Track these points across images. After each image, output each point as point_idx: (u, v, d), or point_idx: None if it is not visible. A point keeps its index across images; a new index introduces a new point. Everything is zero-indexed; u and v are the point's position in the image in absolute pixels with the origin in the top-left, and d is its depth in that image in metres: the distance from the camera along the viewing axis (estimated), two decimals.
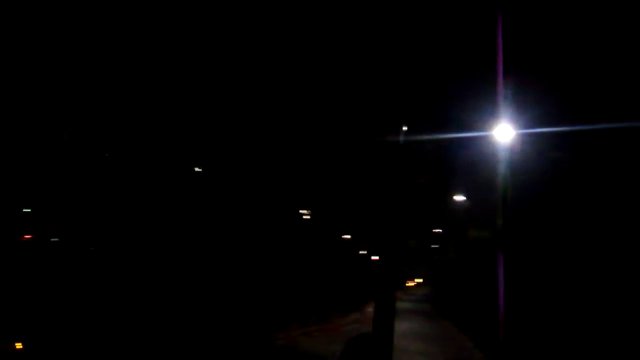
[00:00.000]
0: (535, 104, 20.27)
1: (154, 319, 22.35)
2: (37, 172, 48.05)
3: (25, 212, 47.48)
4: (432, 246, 71.56)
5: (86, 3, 34.62)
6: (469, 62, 23.70)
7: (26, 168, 49.37)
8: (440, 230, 62.21)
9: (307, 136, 36.60)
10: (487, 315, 25.30)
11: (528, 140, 20.43)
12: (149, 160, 38.57)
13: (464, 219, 37.26)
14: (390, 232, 23.08)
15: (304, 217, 45.33)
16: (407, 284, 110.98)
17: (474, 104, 23.39)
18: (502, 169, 19.63)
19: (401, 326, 34.40)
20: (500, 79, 19.99)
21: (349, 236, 55.64)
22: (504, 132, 19.58)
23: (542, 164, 21.72)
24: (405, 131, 21.50)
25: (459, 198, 38.00)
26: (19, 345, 15.62)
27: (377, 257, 66.66)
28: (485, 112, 21.92)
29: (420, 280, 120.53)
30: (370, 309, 38.51)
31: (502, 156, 19.71)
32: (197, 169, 37.55)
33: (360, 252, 63.32)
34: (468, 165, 31.20)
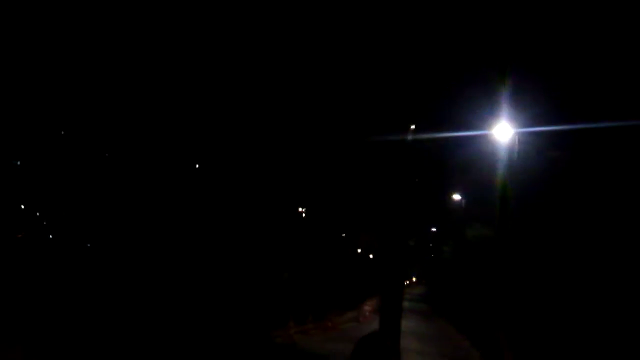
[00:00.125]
0: (534, 103, 20.27)
1: (152, 317, 22.25)
2: (33, 169, 47.91)
3: (20, 208, 47.33)
4: (428, 245, 71.70)
5: (86, 3, 34.55)
6: (469, 62, 23.72)
7: (22, 165, 49.20)
8: (435, 229, 62.35)
9: (306, 135, 36.61)
10: (484, 314, 25.30)
11: (527, 139, 20.37)
12: (147, 158, 38.53)
13: (460, 218, 37.28)
14: (398, 230, 23.02)
15: (302, 214, 45.33)
16: (409, 280, 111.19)
17: (472, 103, 23.40)
18: (501, 167, 19.61)
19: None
20: (500, 78, 19.99)
21: (345, 234, 55.65)
22: (503, 131, 19.57)
23: (540, 162, 21.72)
24: (413, 130, 21.45)
25: (456, 197, 38.02)
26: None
27: (372, 256, 66.85)
28: (483, 111, 21.91)
29: (414, 279, 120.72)
30: (366, 307, 38.55)
31: (501, 155, 19.69)
32: (196, 167, 37.55)
33: (357, 250, 63.31)
34: (465, 164, 31.22)
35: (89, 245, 43.02)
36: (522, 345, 19.18)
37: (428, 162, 33.74)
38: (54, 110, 43.94)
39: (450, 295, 46.00)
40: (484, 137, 22.55)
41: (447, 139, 28.24)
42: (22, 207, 47.91)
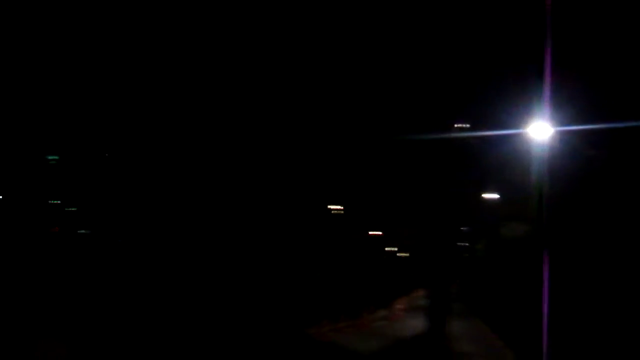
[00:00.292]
0: (571, 101, 20.05)
1: (191, 313, 22.54)
2: (67, 164, 48.60)
3: (53, 204, 48.06)
4: (460, 244, 71.14)
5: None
6: (505, 60, 23.52)
7: (55, 161, 49.95)
8: (467, 228, 61.88)
9: (340, 132, 36.58)
10: (520, 314, 25.13)
11: (564, 138, 20.18)
12: (180, 153, 38.76)
13: (495, 217, 36.98)
14: (444, 230, 22.96)
15: (334, 212, 45.34)
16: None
17: (507, 101, 23.23)
18: (537, 166, 19.47)
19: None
20: (538, 75, 19.82)
21: (377, 232, 55.57)
22: (539, 130, 19.41)
23: (577, 161, 21.48)
24: (459, 127, 21.39)
25: (489, 196, 37.73)
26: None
27: (404, 254, 66.67)
28: (519, 109, 21.75)
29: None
30: (398, 305, 38.61)
31: (538, 154, 19.55)
32: (232, 163, 37.66)
33: (388, 248, 63.20)
34: (499, 163, 30.96)
35: (120, 240, 43.55)
36: (560, 346, 19.04)
37: (463, 161, 33.58)
38: (86, 106, 44.51)
39: (483, 294, 45.68)
40: (518, 135, 22.41)
41: (480, 137, 28.10)
42: (57, 202, 48.62)
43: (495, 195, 36.36)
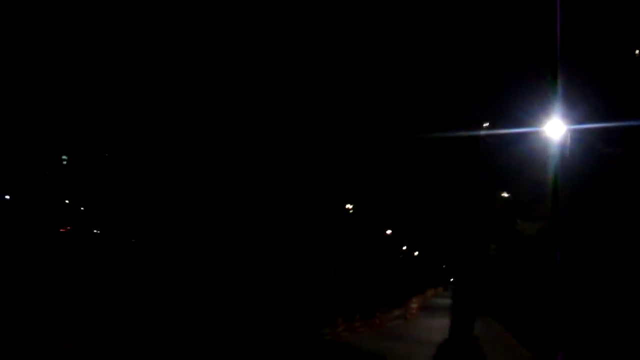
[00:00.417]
0: (586, 99, 19.97)
1: (208, 313, 22.62)
2: (80, 165, 48.79)
3: (65, 203, 48.24)
4: (472, 243, 70.92)
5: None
6: (520, 59, 23.44)
7: (68, 161, 50.12)
8: (480, 227, 61.56)
9: (356, 133, 36.62)
10: (533, 313, 25.01)
11: (579, 136, 20.08)
12: (196, 154, 38.85)
13: (508, 216, 36.83)
14: (474, 231, 22.92)
15: (349, 211, 45.35)
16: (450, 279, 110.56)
17: (522, 99, 23.15)
18: (552, 164, 19.34)
19: (443, 323, 34.22)
20: (552, 74, 19.70)
21: (390, 231, 55.51)
22: (554, 128, 19.29)
23: (593, 159, 21.39)
24: (487, 127, 21.30)
25: (503, 195, 37.57)
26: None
27: (417, 253, 66.61)
28: (533, 107, 21.66)
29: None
30: (413, 305, 38.41)
31: (553, 152, 19.42)
32: (247, 165, 37.75)
33: (403, 247, 63.13)
34: (512, 161, 30.82)
35: (133, 240, 43.59)
36: (575, 345, 18.93)
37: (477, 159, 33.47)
38: (98, 108, 44.69)
39: (496, 293, 45.52)
40: (532, 134, 22.29)
41: (494, 135, 27.97)
42: (67, 201, 48.79)
43: (508, 194, 36.24)
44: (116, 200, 47.04)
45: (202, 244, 33.95)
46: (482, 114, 27.45)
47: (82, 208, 50.30)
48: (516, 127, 24.01)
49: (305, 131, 35.95)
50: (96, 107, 45.26)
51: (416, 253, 66.40)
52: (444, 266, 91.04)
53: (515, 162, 29.56)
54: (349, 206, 44.02)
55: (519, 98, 23.15)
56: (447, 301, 58.09)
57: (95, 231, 49.10)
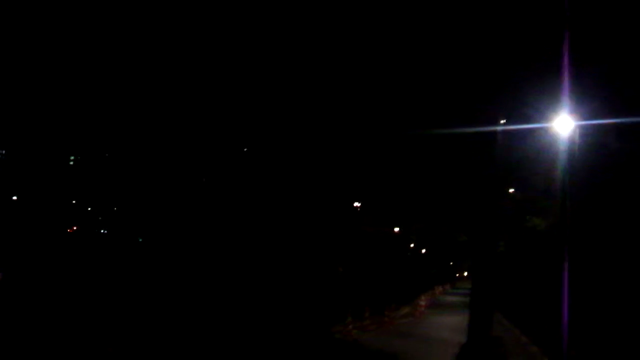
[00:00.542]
0: (595, 95, 19.95)
1: (216, 312, 22.65)
2: (87, 164, 48.92)
3: (72, 204, 48.41)
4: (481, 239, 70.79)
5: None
6: (529, 55, 23.39)
7: (74, 161, 50.27)
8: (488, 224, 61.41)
9: (359, 130, 36.61)
10: (543, 309, 25.01)
11: (588, 132, 20.05)
12: (206, 154, 38.92)
13: (516, 212, 36.77)
14: (486, 230, 22.86)
15: (356, 209, 45.34)
16: (456, 276, 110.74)
17: (532, 96, 23.11)
18: (562, 160, 19.31)
19: (452, 320, 34.23)
20: (561, 70, 19.67)
21: (397, 229, 55.45)
22: (563, 124, 19.27)
23: (601, 155, 21.37)
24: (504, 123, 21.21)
25: (511, 191, 37.49)
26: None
27: (425, 250, 66.54)
28: (541, 103, 21.63)
29: (465, 274, 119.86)
30: (421, 302, 38.42)
31: (562, 148, 19.40)
32: (255, 164, 37.81)
33: (410, 244, 63.08)
34: (520, 157, 30.75)
35: (140, 240, 43.68)
36: (582, 340, 18.93)
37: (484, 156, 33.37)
38: (105, 109, 44.78)
39: (504, 289, 45.52)
40: (541, 130, 22.27)
41: (502, 132, 27.88)
42: (74, 202, 48.93)
43: (515, 190, 36.15)
44: (123, 200, 47.15)
45: (210, 242, 34.01)
46: (491, 110, 27.38)
47: (89, 208, 50.45)
48: (525, 124, 23.96)
49: (314, 130, 35.98)
50: (103, 109, 45.37)
51: (423, 250, 66.33)
52: (451, 263, 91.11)
53: (524, 158, 29.54)
54: (356, 204, 44.04)
55: (528, 94, 23.11)
56: (455, 298, 58.26)
57: (102, 231, 49.24)
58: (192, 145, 39.46)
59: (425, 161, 37.75)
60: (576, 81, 19.30)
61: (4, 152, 49.22)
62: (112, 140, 46.97)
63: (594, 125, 19.90)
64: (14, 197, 46.95)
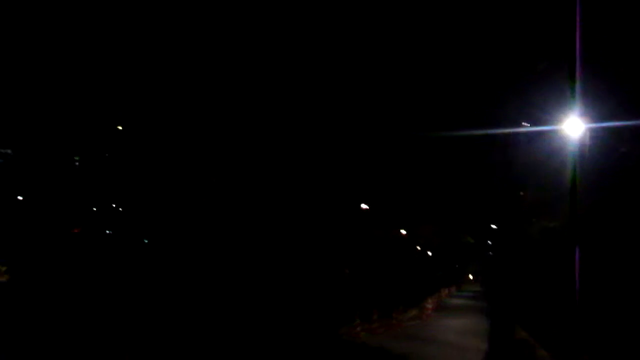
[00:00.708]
0: (605, 97, 19.87)
1: (224, 315, 22.62)
2: (90, 166, 48.91)
3: (77, 204, 48.35)
4: (487, 242, 70.85)
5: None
6: (537, 56, 23.34)
7: (80, 162, 50.24)
8: (495, 227, 61.48)
9: (367, 132, 36.59)
10: (549, 310, 24.90)
11: (598, 135, 19.98)
12: (213, 156, 38.86)
13: (524, 214, 36.66)
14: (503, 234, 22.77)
15: (363, 211, 45.27)
16: (464, 278, 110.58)
17: (540, 98, 23.05)
18: (572, 162, 19.24)
19: (459, 323, 34.19)
20: (571, 72, 19.62)
21: (403, 231, 55.38)
22: (573, 127, 19.19)
23: (611, 157, 21.29)
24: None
25: (520, 193, 37.39)
26: None
27: (431, 253, 66.47)
28: (553, 106, 21.57)
29: (471, 277, 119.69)
30: (428, 305, 38.35)
31: (572, 150, 19.32)
32: (261, 165, 37.75)
33: (417, 247, 63.01)
34: (529, 160, 30.70)
35: (146, 241, 43.63)
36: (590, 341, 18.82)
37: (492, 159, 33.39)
38: (110, 107, 44.81)
39: (510, 292, 45.40)
40: (550, 132, 22.22)
41: (512, 135, 27.87)
42: (79, 202, 48.87)
43: (526, 192, 36.07)
44: (128, 201, 47.04)
45: (218, 243, 33.96)
46: (503, 113, 27.36)
47: (94, 209, 50.36)
48: (536, 126, 23.92)
49: (322, 131, 35.93)
50: (109, 110, 45.38)
51: (429, 253, 66.31)
52: (456, 265, 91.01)
53: (531, 161, 29.47)
54: (364, 206, 43.98)
55: (538, 97, 23.05)
56: (461, 301, 58.23)
57: (107, 232, 49.16)
58: (199, 145, 39.37)
59: (433, 164, 37.72)
60: (587, 83, 19.24)
61: (9, 151, 49.23)
62: (118, 141, 46.91)
63: (604, 127, 19.83)
64: (20, 197, 47.09)
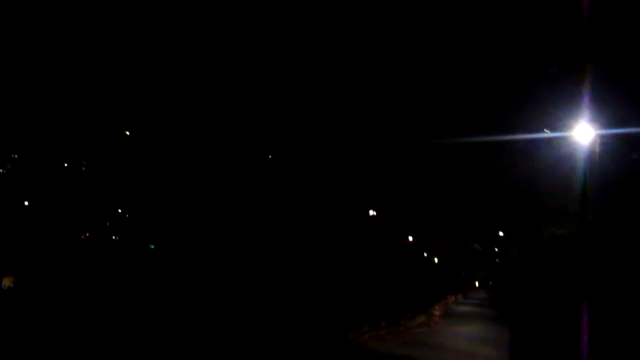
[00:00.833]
0: (615, 104, 19.85)
1: (235, 320, 22.60)
2: (97, 170, 48.96)
3: (84, 210, 48.36)
4: (493, 249, 70.78)
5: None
6: (548, 63, 23.31)
7: (85, 167, 50.28)
8: (502, 234, 61.36)
9: (380, 136, 36.58)
10: (556, 319, 24.83)
11: (607, 141, 19.92)
12: (218, 158, 38.84)
13: (533, 222, 36.58)
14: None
15: (370, 217, 45.22)
16: (470, 285, 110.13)
17: (551, 104, 23.02)
18: (582, 169, 19.20)
19: (467, 330, 34.05)
20: (580, 79, 19.61)
21: (411, 238, 55.29)
22: (583, 133, 19.16)
23: (621, 164, 21.25)
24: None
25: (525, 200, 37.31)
26: None
27: (438, 260, 66.37)
28: (561, 112, 21.54)
29: (477, 284, 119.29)
30: (435, 312, 38.22)
31: (582, 157, 19.28)
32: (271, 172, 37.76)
33: (424, 253, 62.88)
34: (539, 166, 30.64)
35: (152, 247, 43.64)
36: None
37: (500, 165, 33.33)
38: (118, 112, 44.86)
39: (517, 298, 45.26)
40: (560, 139, 22.17)
41: (521, 141, 27.79)
42: (86, 207, 48.90)
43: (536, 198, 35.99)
44: (135, 207, 47.03)
45: (227, 248, 33.97)
46: (507, 119, 27.31)
47: (101, 214, 50.39)
48: (542, 132, 23.87)
49: (332, 138, 35.96)
50: (116, 115, 45.43)
51: (436, 259, 66.15)
52: (463, 273, 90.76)
53: (540, 167, 29.40)
54: (372, 213, 43.94)
55: (548, 103, 23.02)
56: (468, 308, 57.98)
57: (114, 237, 49.16)
58: (209, 152, 39.42)
59: (441, 170, 37.68)
60: (597, 90, 19.21)
61: (16, 156, 49.35)
62: (125, 146, 46.98)
63: (614, 134, 19.79)
64: (26, 203, 47.17)
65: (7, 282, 30.18)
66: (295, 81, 34.61)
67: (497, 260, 72.02)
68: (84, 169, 51.07)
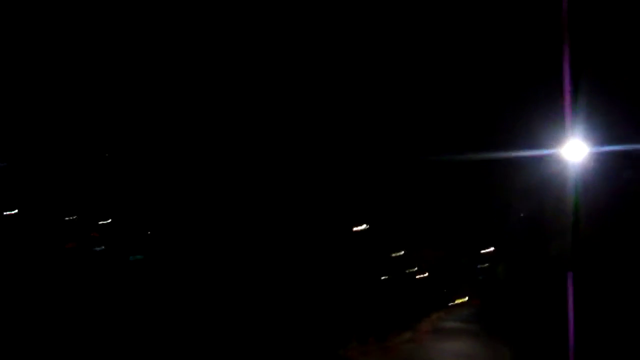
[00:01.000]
0: (607, 121, 19.84)
1: (221, 335, 22.40)
2: (82, 179, 48.62)
3: (69, 220, 47.97)
4: (480, 266, 70.69)
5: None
6: (537, 76, 23.33)
7: (71, 175, 49.93)
8: (491, 250, 61.40)
9: (365, 151, 36.50)
10: (543, 337, 24.82)
11: (599, 159, 19.94)
12: (202, 168, 38.62)
13: (521, 238, 36.64)
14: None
15: (357, 232, 45.13)
16: (455, 301, 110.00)
17: (539, 120, 23.02)
18: (573, 188, 19.24)
19: (454, 346, 34.03)
20: (572, 94, 19.62)
21: (399, 253, 55.25)
22: (575, 150, 19.20)
23: (614, 182, 21.23)
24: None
25: (517, 216, 37.38)
26: None
27: (428, 274, 66.33)
28: (551, 129, 21.51)
29: (460, 301, 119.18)
30: (423, 327, 38.22)
31: (573, 175, 19.34)
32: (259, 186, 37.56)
33: (413, 268, 62.90)
34: (529, 184, 30.68)
35: (140, 257, 43.35)
36: None
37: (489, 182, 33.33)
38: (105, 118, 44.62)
39: (504, 315, 45.37)
40: (551, 156, 22.15)
41: (510, 159, 27.78)
42: (74, 217, 48.52)
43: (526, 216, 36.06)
44: (122, 214, 46.66)
45: (213, 260, 33.80)
46: (495, 135, 27.33)
47: (87, 224, 49.93)
48: (532, 149, 23.86)
49: (323, 149, 35.90)
50: (104, 119, 45.14)
51: (425, 275, 66.17)
52: (448, 288, 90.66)
53: (530, 185, 29.42)
54: (362, 227, 43.89)
55: (538, 119, 23.00)
56: (455, 324, 57.94)
57: (101, 247, 48.74)
58: (208, 157, 39.26)
59: (430, 187, 37.65)
60: (590, 106, 19.23)
61: (5, 164, 48.88)
62: (114, 153, 46.72)
63: (606, 151, 19.78)
64: (14, 211, 46.70)
65: None
66: (295, 84, 34.53)
67: (480, 277, 72.07)
68: (71, 175, 50.73)
